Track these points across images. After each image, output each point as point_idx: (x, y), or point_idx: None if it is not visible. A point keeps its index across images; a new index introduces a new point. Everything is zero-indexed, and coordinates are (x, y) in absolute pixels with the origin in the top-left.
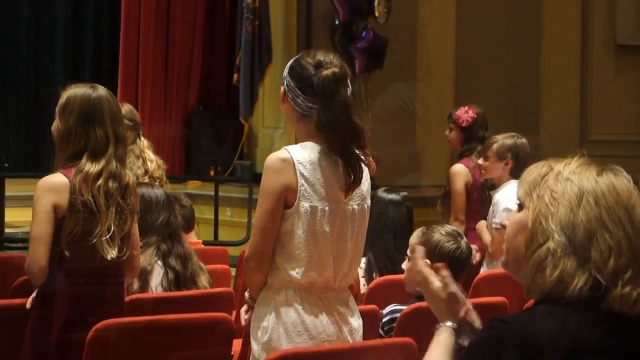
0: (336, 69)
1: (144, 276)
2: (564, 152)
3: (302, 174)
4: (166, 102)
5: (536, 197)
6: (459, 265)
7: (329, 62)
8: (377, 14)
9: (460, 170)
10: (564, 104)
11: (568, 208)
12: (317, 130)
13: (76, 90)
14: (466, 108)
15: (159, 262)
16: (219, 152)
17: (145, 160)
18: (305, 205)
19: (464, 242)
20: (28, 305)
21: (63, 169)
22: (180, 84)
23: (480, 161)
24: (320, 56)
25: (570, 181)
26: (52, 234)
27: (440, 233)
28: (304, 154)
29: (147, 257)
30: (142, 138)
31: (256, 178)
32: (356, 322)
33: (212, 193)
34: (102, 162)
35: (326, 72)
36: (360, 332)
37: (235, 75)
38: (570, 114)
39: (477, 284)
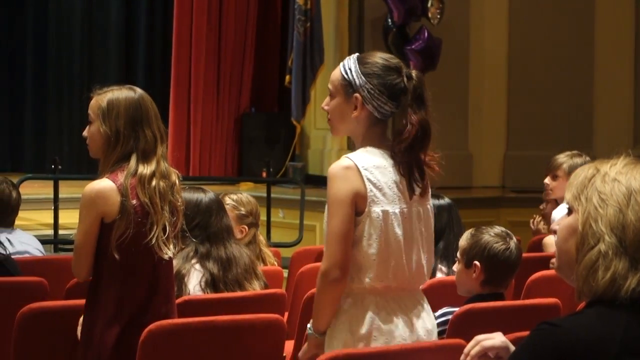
0: (418, 71)
1: (180, 280)
2: (618, 152)
3: (369, 180)
4: (218, 104)
5: (584, 200)
6: (509, 266)
7: (402, 65)
8: (429, 14)
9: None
10: (618, 104)
11: (617, 209)
12: (394, 133)
13: (116, 93)
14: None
15: (197, 266)
16: (271, 153)
17: (264, 259)
18: (376, 210)
19: (513, 242)
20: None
21: (109, 173)
22: (232, 86)
23: (547, 181)
24: (393, 60)
25: (617, 182)
26: (94, 244)
27: (490, 234)
28: (367, 160)
29: (180, 261)
30: (259, 233)
31: (308, 179)
32: (431, 322)
33: (265, 194)
34: (153, 163)
35: (416, 74)
36: (435, 333)
37: (287, 77)
38: (624, 114)
39: (529, 285)
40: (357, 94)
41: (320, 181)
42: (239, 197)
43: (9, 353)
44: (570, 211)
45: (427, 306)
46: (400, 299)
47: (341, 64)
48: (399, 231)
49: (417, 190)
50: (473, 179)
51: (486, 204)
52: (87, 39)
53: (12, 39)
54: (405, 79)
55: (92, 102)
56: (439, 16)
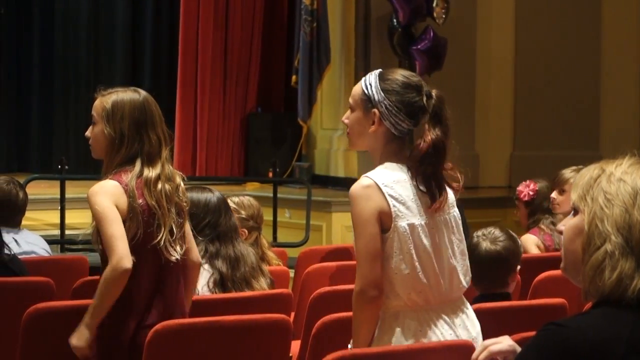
0: (438, 90)
1: None
2: (623, 153)
3: (391, 195)
4: (225, 104)
5: (590, 200)
6: (482, 265)
7: (423, 83)
8: (435, 14)
9: (529, 238)
10: (624, 104)
11: (623, 208)
12: (415, 150)
13: (121, 95)
14: (527, 182)
15: (206, 266)
16: (277, 153)
17: (268, 261)
18: (402, 224)
19: (486, 243)
20: None
21: (112, 175)
22: (238, 86)
23: (554, 195)
24: (414, 78)
25: (623, 181)
26: (123, 227)
27: (478, 232)
28: (387, 176)
29: None
30: (262, 235)
31: (315, 179)
32: (475, 329)
33: (271, 194)
34: (158, 167)
35: (437, 94)
36: (480, 339)
37: (294, 77)
38: (629, 114)
39: (536, 285)
40: (375, 110)
41: (327, 181)
42: (240, 200)
43: (16, 353)
44: (576, 211)
45: (470, 312)
46: (442, 310)
47: (363, 78)
48: (427, 242)
49: (438, 203)
50: (479, 179)
51: (492, 204)
52: (93, 39)
53: (18, 40)
54: (424, 97)
55: (96, 103)
56: (444, 16)
